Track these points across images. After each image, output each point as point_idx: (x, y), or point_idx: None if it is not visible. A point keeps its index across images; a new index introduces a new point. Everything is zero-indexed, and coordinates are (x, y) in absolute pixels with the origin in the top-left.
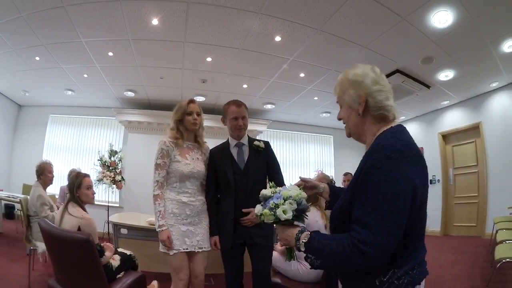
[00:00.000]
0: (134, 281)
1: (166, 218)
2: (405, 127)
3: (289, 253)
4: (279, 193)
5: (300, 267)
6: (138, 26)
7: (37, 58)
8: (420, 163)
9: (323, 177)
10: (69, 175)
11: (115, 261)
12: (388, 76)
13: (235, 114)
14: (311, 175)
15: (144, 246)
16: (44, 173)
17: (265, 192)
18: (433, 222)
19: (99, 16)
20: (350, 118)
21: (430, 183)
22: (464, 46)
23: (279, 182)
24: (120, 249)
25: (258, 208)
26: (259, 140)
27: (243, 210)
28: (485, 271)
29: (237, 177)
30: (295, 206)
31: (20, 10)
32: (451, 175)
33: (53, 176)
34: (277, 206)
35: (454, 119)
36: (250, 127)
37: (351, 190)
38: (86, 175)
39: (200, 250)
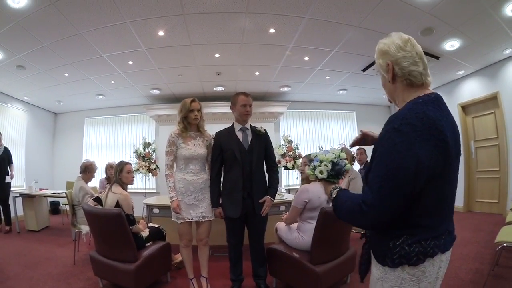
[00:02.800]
0: (159, 248)
1: (175, 191)
2: (436, 97)
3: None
4: (317, 156)
5: (298, 238)
6: (148, 39)
7: (66, 74)
8: (435, 137)
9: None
10: (106, 167)
11: (145, 233)
12: None
13: (244, 102)
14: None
15: (174, 222)
16: (91, 172)
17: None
18: (456, 197)
19: (112, 35)
20: (385, 86)
21: None
22: (462, 14)
23: (272, 164)
24: (150, 224)
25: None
26: (260, 127)
27: (260, 201)
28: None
29: (242, 155)
30: (329, 167)
31: (42, 42)
32: (473, 148)
33: (94, 177)
34: (315, 167)
35: (472, 89)
36: (271, 109)
37: (372, 156)
38: (128, 163)
39: (203, 220)
